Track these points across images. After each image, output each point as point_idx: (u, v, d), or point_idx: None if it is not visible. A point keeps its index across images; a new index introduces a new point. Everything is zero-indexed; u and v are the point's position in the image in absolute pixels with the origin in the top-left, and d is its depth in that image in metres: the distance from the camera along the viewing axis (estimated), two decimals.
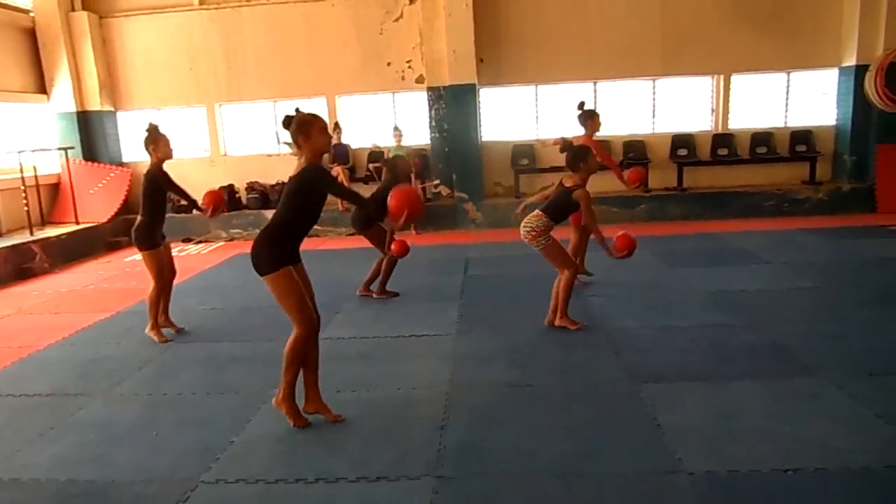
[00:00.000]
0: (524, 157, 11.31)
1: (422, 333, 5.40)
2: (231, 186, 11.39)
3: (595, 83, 11.30)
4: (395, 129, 10.53)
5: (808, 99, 11.20)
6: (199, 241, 11.09)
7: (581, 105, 6.80)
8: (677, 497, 2.97)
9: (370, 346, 5.17)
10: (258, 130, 11.92)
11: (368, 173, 11.30)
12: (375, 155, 11.22)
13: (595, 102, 11.22)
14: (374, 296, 6.71)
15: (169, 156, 5.37)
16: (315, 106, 11.39)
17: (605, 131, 11.10)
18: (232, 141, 12.11)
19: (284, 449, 3.58)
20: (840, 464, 3.12)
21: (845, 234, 8.70)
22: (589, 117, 6.70)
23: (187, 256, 9.83)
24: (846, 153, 10.75)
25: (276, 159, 11.37)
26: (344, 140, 11.35)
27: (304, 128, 3.54)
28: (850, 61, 10.44)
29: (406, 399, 4.13)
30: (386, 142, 10.80)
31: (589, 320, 5.55)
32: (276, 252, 3.58)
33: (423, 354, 4.92)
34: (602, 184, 10.67)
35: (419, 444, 3.51)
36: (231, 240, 10.93)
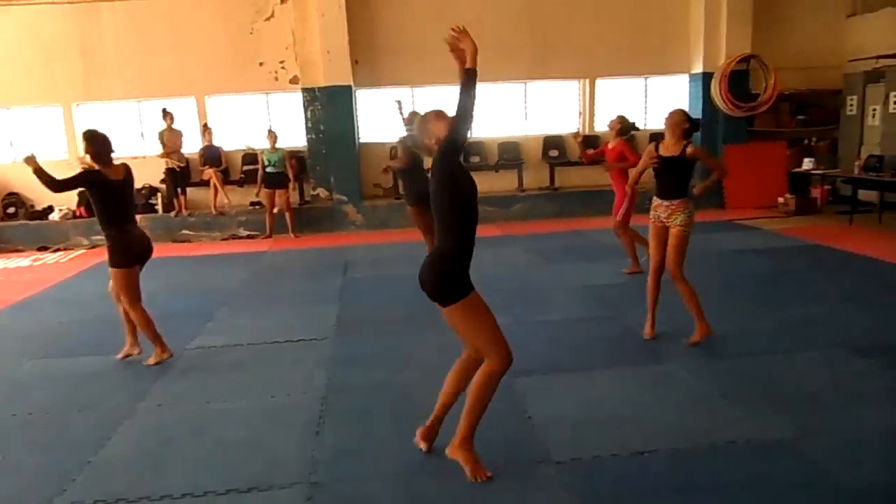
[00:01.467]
0: (475, 155, 11.33)
1: (298, 339, 5.30)
2: None
3: None
4: (270, 131, 10.24)
5: (664, 102, 12.00)
6: (58, 249, 10.32)
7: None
8: (544, 486, 3.10)
9: (244, 354, 5.03)
10: (121, 131, 11.24)
11: (243, 176, 10.97)
12: (249, 157, 10.91)
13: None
14: None
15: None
16: (183, 106, 10.92)
17: (480, 133, 11.51)
18: None
19: (149, 466, 3.41)
20: (690, 443, 3.37)
21: (699, 228, 9.29)
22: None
23: (43, 266, 9.11)
24: None
25: (142, 161, 10.76)
26: (216, 142, 10.94)
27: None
28: (698, 69, 11.31)
29: (280, 406, 4.05)
30: (261, 143, 10.51)
31: None
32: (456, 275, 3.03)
33: (299, 360, 4.84)
34: (478, 184, 10.97)
35: (293, 451, 3.46)
36: (93, 247, 10.24)
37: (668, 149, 4.79)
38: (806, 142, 11.48)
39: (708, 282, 6.60)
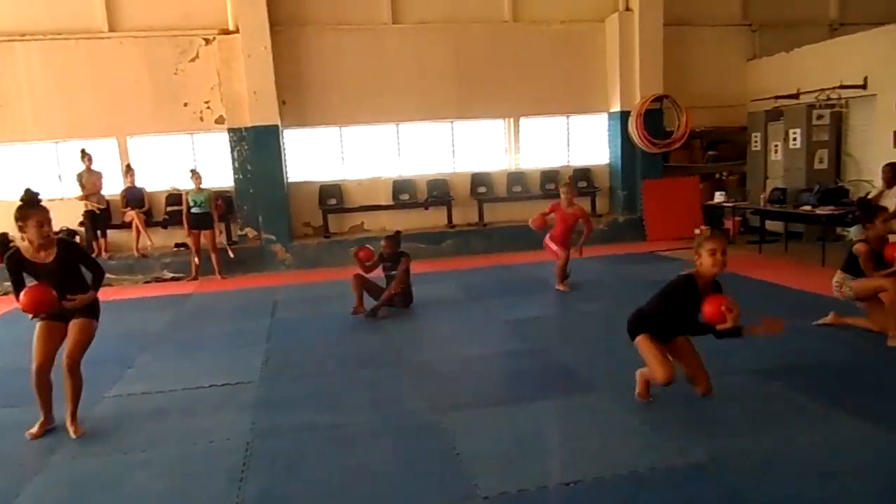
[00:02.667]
0: (332, 197, 11.37)
1: (223, 383, 5.18)
2: (5, 235, 10.20)
3: (398, 125, 11.71)
4: (193, 171, 10.05)
5: (586, 140, 12.48)
6: None
7: None
8: None
9: (165, 401, 4.87)
10: (38, 173, 10.83)
11: (167, 217, 10.71)
12: (174, 198, 10.68)
13: (398, 144, 11.63)
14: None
15: None
16: (104, 147, 10.65)
17: (409, 171, 11.66)
18: (4, 185, 10.87)
19: None
20: (613, 471, 3.45)
21: (623, 260, 9.74)
22: None
23: None
24: (619, 188, 12.10)
25: (59, 204, 10.37)
26: (138, 183, 10.68)
27: None
28: (616, 108, 11.85)
29: (202, 454, 3.94)
30: (186, 184, 10.32)
31: (395, 355, 5.69)
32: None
33: (223, 405, 4.72)
34: (407, 221, 11.11)
35: (216, 499, 3.37)
36: (5, 294, 9.74)
37: None
38: (717, 176, 12.12)
39: (630, 312, 6.84)
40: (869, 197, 8.40)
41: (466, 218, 11.78)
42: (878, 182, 8.18)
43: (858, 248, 5.46)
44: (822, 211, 8.82)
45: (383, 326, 6.68)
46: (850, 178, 10.32)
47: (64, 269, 4.17)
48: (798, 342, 5.50)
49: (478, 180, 11.90)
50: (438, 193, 11.58)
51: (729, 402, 4.33)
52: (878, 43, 9.76)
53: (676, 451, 3.63)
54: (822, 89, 10.33)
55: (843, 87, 10.06)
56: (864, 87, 9.92)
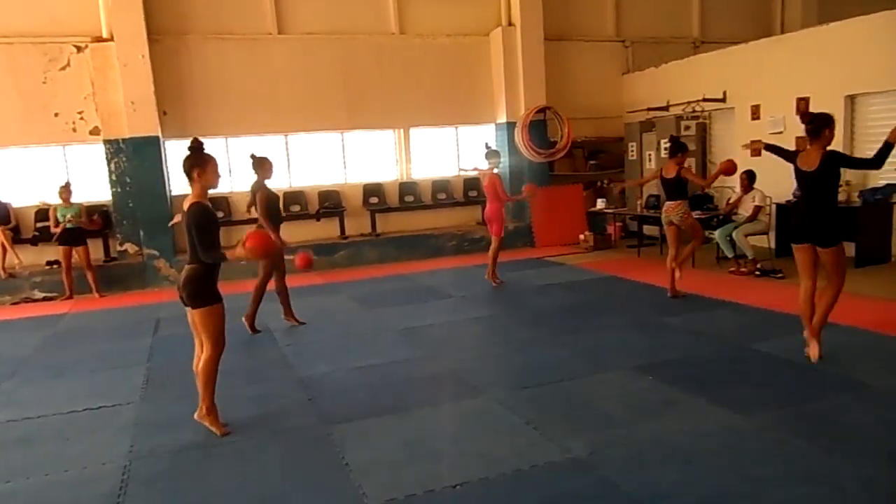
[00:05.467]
0: (218, 210, 10.99)
1: (99, 405, 4.93)
2: None
3: (286, 136, 11.54)
4: (64, 185, 9.43)
5: (476, 150, 12.75)
6: None
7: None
8: None
9: (34, 428, 4.58)
10: None
11: (37, 233, 10.02)
12: (44, 213, 10.01)
13: (287, 155, 11.47)
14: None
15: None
16: None
17: (299, 182, 11.51)
18: None
19: None
20: (498, 470, 3.56)
21: (512, 267, 10.02)
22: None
23: None
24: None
25: None
26: (3, 198, 9.95)
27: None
28: (503, 119, 12.23)
29: (75, 481, 3.74)
30: (56, 199, 9.69)
31: (286, 369, 5.62)
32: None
33: (100, 428, 4.50)
34: (299, 233, 10.92)
35: None
36: None
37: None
38: (599, 184, 12.74)
39: (519, 316, 7.11)
40: (729, 202, 9.13)
41: (359, 228, 11.75)
42: (739, 188, 8.89)
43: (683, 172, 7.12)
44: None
45: (275, 340, 6.57)
46: (715, 185, 11.12)
47: None
48: (667, 339, 5.89)
49: (370, 191, 11.91)
50: (330, 204, 11.49)
51: (607, 398, 4.58)
52: (734, 60, 10.62)
53: (558, 447, 3.80)
54: (688, 102, 11.11)
55: (705, 100, 10.86)
56: (723, 100, 10.75)
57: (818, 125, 4.87)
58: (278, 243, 6.06)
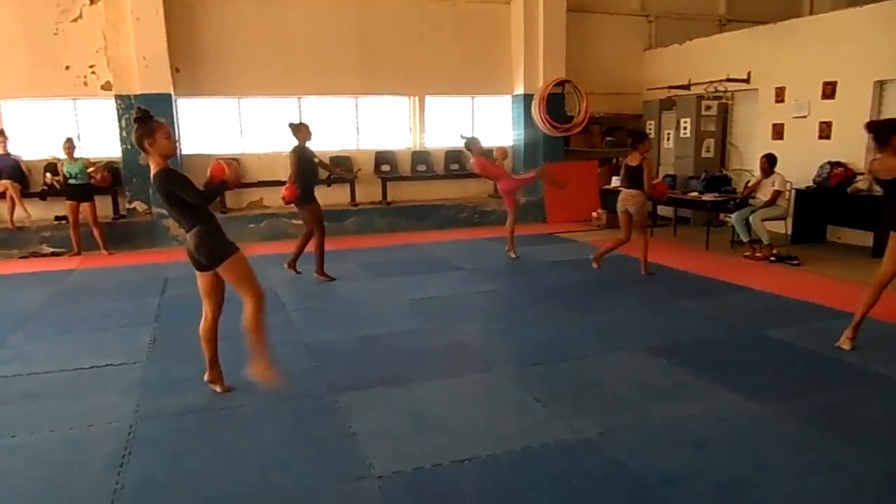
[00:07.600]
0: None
1: (105, 363, 4.90)
2: None
3: (299, 98, 11.38)
4: (68, 140, 9.23)
5: (491, 121, 12.60)
6: None
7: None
8: (365, 501, 3.09)
9: (39, 384, 4.55)
10: None
11: (46, 187, 9.95)
12: (54, 167, 9.93)
13: (300, 117, 11.32)
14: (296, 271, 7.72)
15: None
16: None
17: (313, 147, 11.33)
18: None
19: None
20: (506, 447, 3.51)
21: (523, 241, 9.89)
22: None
23: None
24: (522, 170, 12.27)
25: None
26: (13, 151, 9.86)
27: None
28: (520, 90, 12.01)
29: (80, 439, 3.71)
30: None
31: (293, 335, 5.56)
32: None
33: (106, 387, 4.47)
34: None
35: (92, 487, 3.18)
36: None
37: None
38: (614, 161, 12.53)
39: (530, 291, 7.03)
40: (748, 185, 8.97)
41: (370, 196, 11.64)
42: (758, 172, 8.72)
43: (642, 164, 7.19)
44: (707, 197, 9.32)
45: (283, 305, 6.52)
46: (734, 167, 10.96)
47: None
48: (680, 321, 5.81)
49: (381, 158, 11.77)
50: (342, 169, 11.35)
51: (618, 378, 4.52)
52: (760, 40, 10.35)
53: (568, 426, 3.75)
54: (711, 81, 10.87)
55: (729, 80, 10.62)
56: (747, 81, 10.52)
57: (885, 132, 4.66)
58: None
